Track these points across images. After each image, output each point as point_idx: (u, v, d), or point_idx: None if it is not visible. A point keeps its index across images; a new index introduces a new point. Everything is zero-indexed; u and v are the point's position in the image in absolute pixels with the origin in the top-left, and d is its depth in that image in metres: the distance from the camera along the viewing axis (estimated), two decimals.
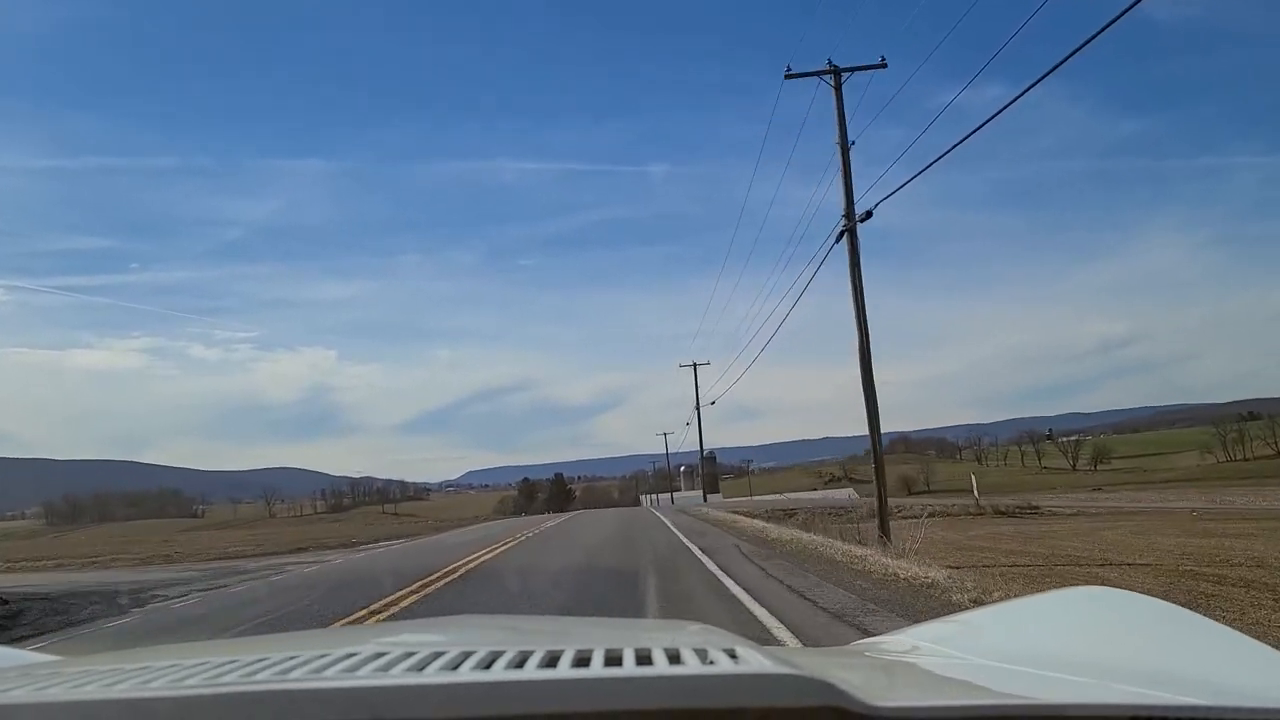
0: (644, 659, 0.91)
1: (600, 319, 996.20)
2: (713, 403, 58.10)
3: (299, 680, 0.84)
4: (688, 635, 1.15)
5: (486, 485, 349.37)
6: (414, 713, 0.78)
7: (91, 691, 0.86)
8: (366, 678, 0.83)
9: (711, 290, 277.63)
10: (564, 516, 41.17)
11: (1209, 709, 0.94)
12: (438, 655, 0.91)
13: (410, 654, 0.92)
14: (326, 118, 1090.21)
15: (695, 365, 64.78)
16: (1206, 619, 1.50)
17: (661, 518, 31.68)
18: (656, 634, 1.25)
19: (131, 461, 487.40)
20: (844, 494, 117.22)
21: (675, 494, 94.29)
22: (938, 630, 1.73)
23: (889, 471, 18.97)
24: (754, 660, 0.90)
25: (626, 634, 1.19)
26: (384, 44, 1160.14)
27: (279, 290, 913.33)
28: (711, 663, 0.89)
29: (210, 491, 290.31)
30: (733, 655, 0.93)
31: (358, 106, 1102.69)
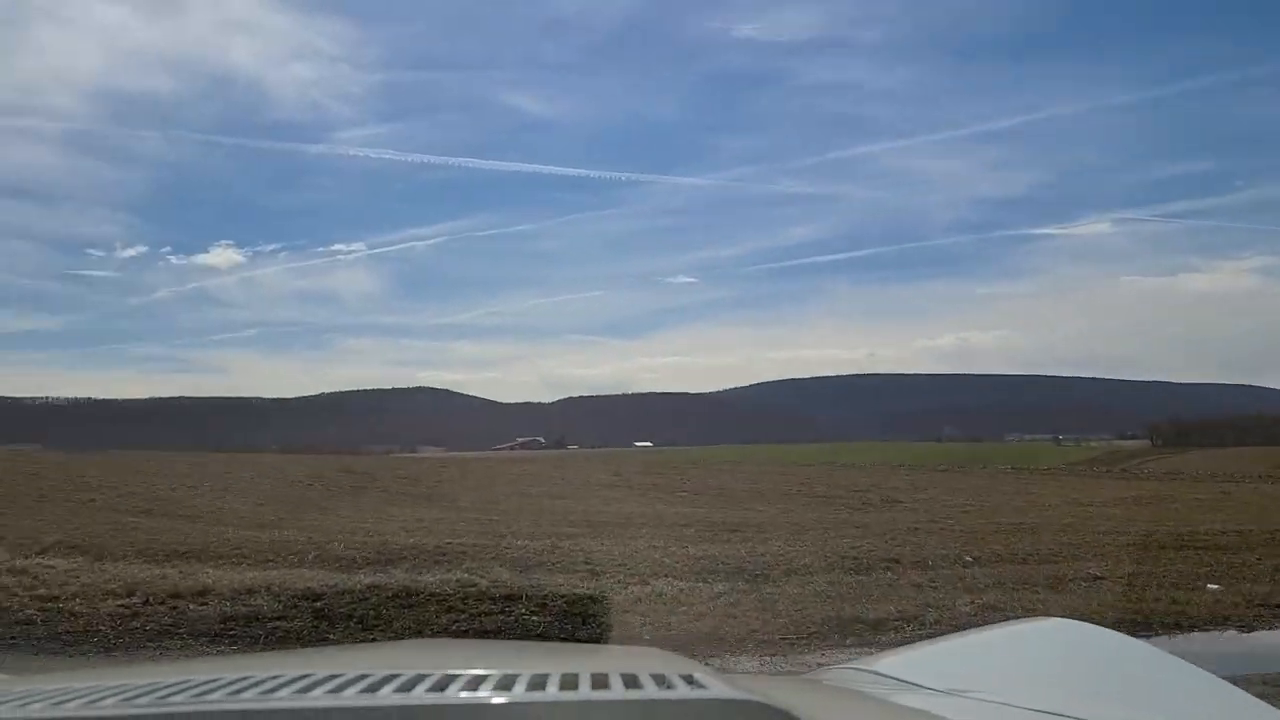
0: (600, 683, 0.89)
1: None
2: None
3: (250, 701, 0.84)
4: (646, 660, 1.14)
5: None
6: None
7: (38, 710, 0.86)
8: (319, 699, 0.83)
9: None
10: None
11: None
12: (392, 678, 0.90)
13: (364, 676, 0.91)
14: None
15: None
16: (1161, 651, 1.65)
17: None
18: (614, 660, 1.26)
19: (1246, 385, 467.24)
20: None
21: None
22: (899, 660, 1.72)
23: None
24: (712, 686, 0.89)
25: (584, 659, 1.19)
26: None
27: None
28: (670, 687, 0.88)
29: None
30: (690, 681, 0.91)
31: None
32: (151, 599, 8.00)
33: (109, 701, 0.85)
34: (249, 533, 12.62)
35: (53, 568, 9.21)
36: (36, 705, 0.87)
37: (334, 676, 0.91)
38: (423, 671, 0.92)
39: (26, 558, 9.77)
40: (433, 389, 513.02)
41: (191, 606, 7.88)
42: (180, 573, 8.99)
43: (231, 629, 7.40)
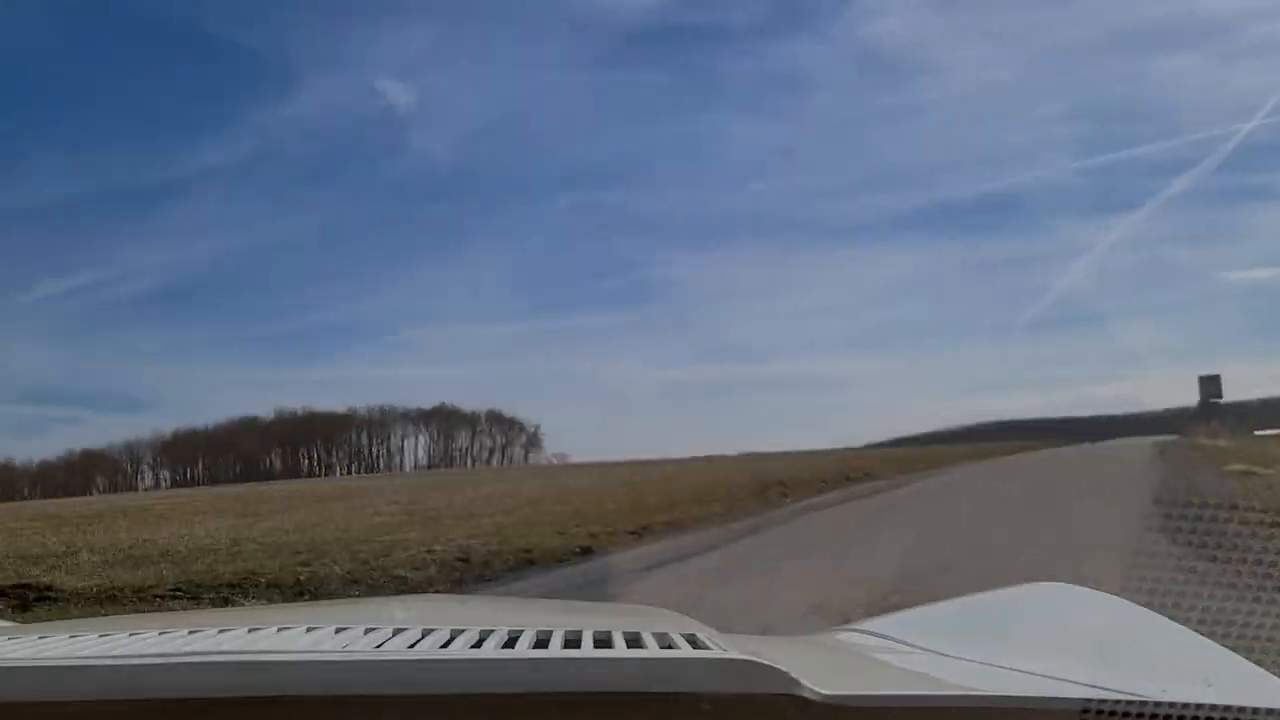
0: (603, 642, 0.90)
1: None
2: None
3: (259, 653, 0.84)
4: (650, 619, 1.13)
5: None
6: (369, 688, 0.78)
7: (52, 659, 0.85)
8: (329, 653, 0.83)
9: None
10: None
11: (1157, 704, 0.92)
12: (399, 632, 0.91)
13: (371, 630, 0.92)
14: None
15: None
16: (1156, 614, 1.56)
17: None
18: (619, 618, 1.24)
19: None
20: None
21: None
22: (896, 621, 1.65)
23: None
24: (714, 646, 0.90)
25: (590, 618, 1.17)
26: None
27: None
28: (671, 646, 0.89)
29: None
30: (692, 640, 0.92)
31: None
32: None
33: (121, 650, 0.84)
34: None
35: None
36: (51, 653, 0.87)
37: (342, 630, 0.93)
38: (429, 626, 0.93)
39: None
40: None
41: None
42: None
43: None
